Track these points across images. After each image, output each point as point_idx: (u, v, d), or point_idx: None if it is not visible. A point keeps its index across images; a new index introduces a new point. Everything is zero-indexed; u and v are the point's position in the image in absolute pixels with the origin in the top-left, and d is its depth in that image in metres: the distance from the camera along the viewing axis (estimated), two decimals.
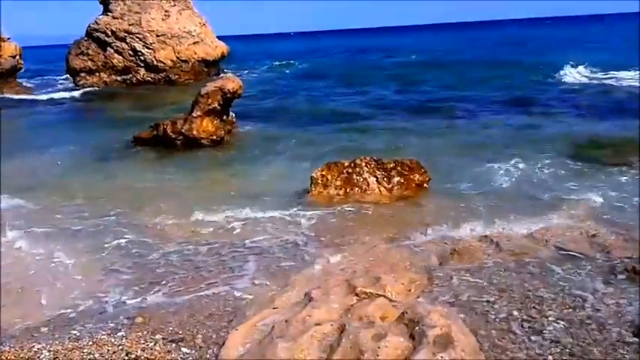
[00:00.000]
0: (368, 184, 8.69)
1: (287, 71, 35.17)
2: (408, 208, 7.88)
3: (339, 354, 3.82)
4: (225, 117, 13.32)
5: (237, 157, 11.72)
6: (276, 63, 40.50)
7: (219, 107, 12.83)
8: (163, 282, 5.74)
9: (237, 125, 14.01)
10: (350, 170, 8.77)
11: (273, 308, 4.77)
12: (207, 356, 4.31)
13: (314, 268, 5.79)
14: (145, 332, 4.63)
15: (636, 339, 4.20)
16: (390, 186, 8.67)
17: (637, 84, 20.06)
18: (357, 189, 8.61)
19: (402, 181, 8.74)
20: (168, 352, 4.39)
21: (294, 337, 4.08)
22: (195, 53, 29.70)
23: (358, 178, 8.72)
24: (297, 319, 4.34)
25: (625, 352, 4.04)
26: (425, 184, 8.70)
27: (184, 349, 4.42)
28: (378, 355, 3.69)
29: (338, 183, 8.68)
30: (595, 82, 21.71)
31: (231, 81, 13.40)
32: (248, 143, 13.15)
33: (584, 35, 54.89)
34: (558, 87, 20.59)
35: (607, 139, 11.42)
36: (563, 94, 18.51)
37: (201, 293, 5.44)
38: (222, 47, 31.45)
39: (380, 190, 8.61)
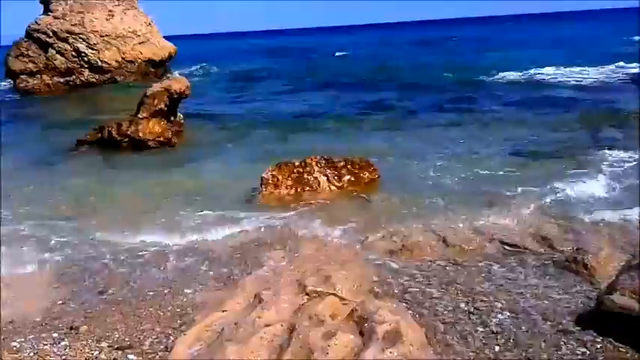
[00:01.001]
0: (319, 183, 8.70)
1: (228, 71, 34.84)
2: (358, 205, 7.92)
3: (288, 354, 3.80)
4: (172, 118, 13.09)
5: (185, 159, 11.52)
6: (208, 66, 39.74)
7: (165, 108, 12.60)
8: (109, 290, 5.57)
9: (186, 126, 13.77)
10: (300, 170, 8.76)
11: (223, 311, 4.69)
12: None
13: (264, 269, 5.75)
14: (90, 340, 4.51)
15: (578, 327, 4.36)
16: (341, 184, 8.70)
17: (566, 79, 21.09)
18: (307, 188, 8.60)
19: (352, 179, 8.79)
20: (114, 359, 4.28)
21: (244, 339, 4.04)
22: (142, 53, 29.07)
23: (309, 177, 8.72)
24: (247, 321, 4.30)
25: (567, 340, 4.18)
26: (375, 182, 8.78)
27: (131, 356, 4.32)
28: (327, 354, 3.69)
29: (289, 183, 8.65)
30: (527, 79, 22.47)
31: (177, 81, 13.18)
32: (197, 144, 12.96)
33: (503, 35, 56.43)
34: (495, 85, 21.15)
35: (549, 134, 11.80)
36: (502, 92, 19.02)
37: (148, 298, 5.32)
38: (170, 47, 30.90)
39: (330, 189, 8.64)
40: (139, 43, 29.24)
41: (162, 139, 12.35)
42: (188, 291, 5.42)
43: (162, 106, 12.55)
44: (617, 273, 5.06)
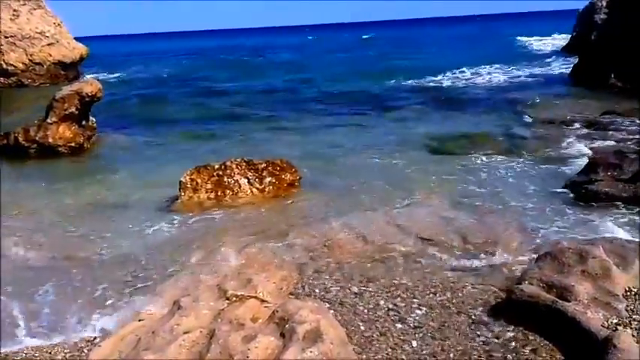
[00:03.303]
0: (240, 186, 8.59)
1: (146, 75, 33.89)
2: (279, 207, 7.90)
3: None
4: (84, 122, 12.50)
5: (99, 165, 11.07)
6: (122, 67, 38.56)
7: (76, 112, 12.02)
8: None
9: (99, 131, 13.22)
10: (220, 172, 8.61)
11: (139, 320, 4.54)
12: None
13: (183, 275, 5.60)
14: None
15: (490, 318, 4.54)
16: (262, 187, 8.64)
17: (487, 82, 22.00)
18: (228, 191, 8.48)
19: (274, 181, 8.74)
20: None
21: (162, 347, 3.92)
22: (51, 55, 27.67)
23: (229, 180, 8.59)
24: (165, 329, 4.18)
25: (480, 331, 4.35)
26: (296, 183, 8.78)
27: None
28: (248, 357, 3.64)
29: (209, 186, 8.48)
30: (450, 80, 23.29)
31: (89, 84, 12.60)
32: (111, 150, 12.48)
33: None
34: (411, 87, 21.77)
35: (462, 131, 12.28)
36: (414, 93, 19.62)
37: (59, 307, 5.07)
38: (81, 49, 29.63)
39: (252, 191, 8.55)
40: (48, 45, 27.84)
41: (73, 144, 11.79)
42: (103, 300, 5.20)
43: (73, 109, 11.97)
44: (527, 264, 5.35)
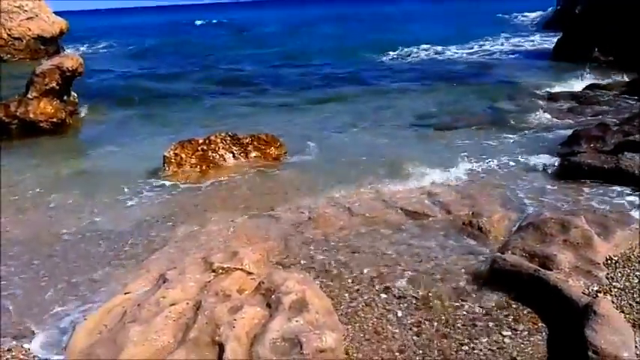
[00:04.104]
0: (224, 160, 8.57)
1: (129, 48, 33.38)
2: (264, 181, 7.89)
3: (195, 331, 3.75)
4: (65, 97, 12.30)
5: (81, 140, 10.97)
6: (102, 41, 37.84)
7: (58, 87, 11.81)
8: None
9: (81, 106, 13.04)
10: (205, 147, 8.58)
11: (125, 293, 4.54)
12: (54, 349, 4.03)
13: (169, 248, 5.60)
14: None
15: (474, 287, 4.60)
16: (247, 161, 8.62)
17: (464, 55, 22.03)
18: (213, 166, 8.45)
19: (259, 155, 8.74)
20: (9, 350, 4.04)
21: (148, 319, 3.93)
22: (30, 30, 27.06)
23: (214, 154, 8.57)
24: (151, 302, 4.19)
25: (464, 300, 4.40)
26: (281, 158, 8.77)
27: (27, 345, 4.09)
28: (234, 328, 3.67)
29: (193, 161, 8.45)
30: (431, 56, 23.24)
31: (69, 58, 12.37)
32: (93, 125, 12.32)
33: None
34: (395, 62, 21.69)
35: (445, 106, 12.30)
36: (399, 68, 19.56)
37: (44, 282, 5.05)
38: (61, 23, 28.97)
39: (237, 166, 8.53)
40: (27, 19, 27.19)
41: (55, 120, 11.60)
42: (88, 274, 5.19)
43: (54, 84, 11.76)
44: (509, 234, 5.42)
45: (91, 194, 7.50)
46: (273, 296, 4.05)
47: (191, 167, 8.33)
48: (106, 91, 16.47)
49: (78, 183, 8.07)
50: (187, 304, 4.12)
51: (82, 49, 31.65)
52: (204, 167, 8.39)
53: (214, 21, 63.56)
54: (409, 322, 4.13)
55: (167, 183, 7.86)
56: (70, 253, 5.71)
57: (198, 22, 61.51)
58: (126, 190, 7.60)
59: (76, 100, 12.81)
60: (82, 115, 12.86)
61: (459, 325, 4.06)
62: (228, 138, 8.67)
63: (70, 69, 11.97)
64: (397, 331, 4.01)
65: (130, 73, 21.52)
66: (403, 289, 4.59)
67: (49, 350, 4.03)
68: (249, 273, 4.77)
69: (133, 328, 3.81)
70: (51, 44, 28.16)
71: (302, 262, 5.19)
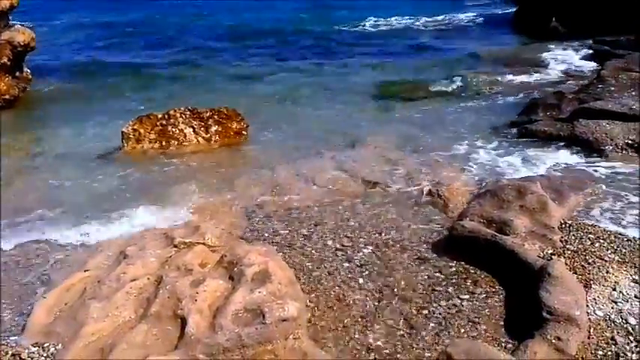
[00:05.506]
0: (185, 135, 8.43)
1: (85, 21, 32.23)
2: (226, 155, 7.83)
3: (156, 305, 3.73)
4: (18, 73, 11.88)
5: (35, 118, 10.60)
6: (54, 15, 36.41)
7: (9, 63, 11.39)
8: None
9: (34, 82, 12.61)
10: (164, 122, 8.41)
11: (85, 271, 4.47)
12: (13, 329, 3.95)
13: (130, 225, 5.52)
14: None
15: (434, 254, 4.69)
16: (208, 135, 8.50)
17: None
18: (173, 141, 8.32)
19: (220, 129, 8.61)
20: None
21: (108, 295, 3.90)
22: None
23: (174, 129, 8.41)
24: (111, 278, 4.15)
25: (424, 267, 4.49)
26: (243, 132, 8.67)
27: None
28: (196, 301, 3.66)
29: (152, 136, 8.29)
30: (394, 27, 23.16)
31: (21, 33, 11.92)
32: (48, 102, 11.93)
33: None
34: (355, 33, 21.53)
35: (405, 77, 12.35)
36: (366, 40, 19.46)
37: (4, 261, 4.94)
38: None
39: (198, 141, 8.41)
40: None
41: (7, 97, 11.20)
42: (47, 252, 5.09)
43: (5, 60, 11.33)
44: (468, 201, 5.52)
45: (47, 173, 7.31)
46: (235, 269, 4.05)
47: (150, 143, 8.19)
48: (61, 66, 15.94)
49: (34, 162, 7.87)
50: (148, 279, 4.09)
51: (34, 23, 30.43)
52: (163, 143, 8.25)
53: None
54: (371, 288, 4.20)
55: (126, 159, 7.71)
56: (30, 232, 5.57)
57: None
58: (84, 167, 7.43)
59: (29, 76, 12.39)
60: (36, 91, 12.44)
61: (419, 290, 4.15)
62: (188, 112, 8.52)
63: (22, 44, 11.56)
64: (359, 297, 4.08)
65: (85, 48, 20.80)
66: (365, 258, 4.65)
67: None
68: (212, 247, 4.76)
69: (94, 304, 3.78)
70: (1, 19, 27.05)
71: (265, 234, 5.20)
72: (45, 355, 3.56)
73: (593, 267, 4.16)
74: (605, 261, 4.25)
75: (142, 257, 4.47)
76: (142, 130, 8.19)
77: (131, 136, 8.11)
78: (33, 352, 3.57)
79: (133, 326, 3.61)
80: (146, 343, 3.46)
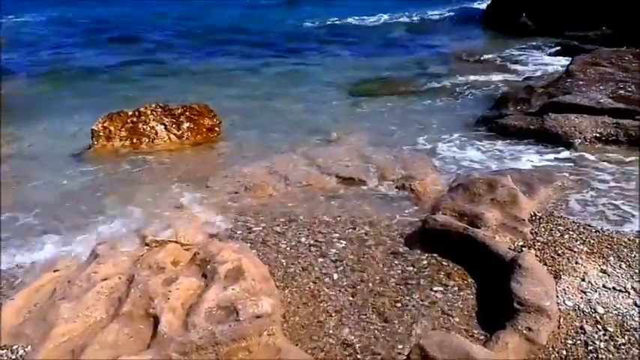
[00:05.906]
0: (156, 133, 8.33)
1: (53, 19, 31.59)
2: (199, 152, 7.77)
3: (128, 305, 3.67)
4: None
5: (3, 118, 10.36)
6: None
7: None
8: None
9: (2, 81, 12.32)
10: (135, 119, 8.29)
11: (54, 271, 4.39)
12: None
13: (100, 224, 5.44)
14: None
15: (406, 248, 4.72)
16: (180, 132, 8.41)
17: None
18: (144, 138, 8.21)
19: (192, 126, 8.52)
20: None
21: (79, 295, 3.82)
22: None
23: (145, 126, 8.30)
24: (82, 278, 4.06)
25: (397, 261, 4.51)
26: (216, 128, 8.60)
27: None
28: (168, 299, 3.62)
29: (123, 134, 8.17)
30: (365, 24, 23.24)
31: None
32: (11, 101, 11.66)
33: None
34: (328, 30, 21.52)
35: (378, 73, 12.41)
36: (338, 37, 19.47)
37: None
38: None
39: (170, 138, 8.32)
40: None
41: None
42: (14, 254, 4.98)
43: None
44: (440, 195, 5.56)
45: (15, 171, 7.15)
46: (208, 266, 4.01)
47: (121, 140, 8.07)
48: (29, 64, 15.61)
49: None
50: (120, 278, 4.02)
51: (1, 21, 29.69)
52: (134, 140, 8.13)
53: None
54: (345, 283, 4.21)
55: (96, 157, 7.59)
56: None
57: None
58: (53, 166, 7.29)
59: None
60: (3, 91, 12.15)
61: (392, 284, 4.17)
62: (159, 109, 8.41)
63: None
64: (333, 292, 4.08)
65: (53, 46, 20.39)
66: (339, 253, 4.66)
67: None
68: (184, 245, 4.71)
69: (64, 304, 3.70)
70: None
71: (238, 232, 5.17)
72: (14, 357, 3.48)
73: (563, 258, 4.24)
74: (575, 252, 4.33)
75: (112, 256, 4.39)
76: (112, 128, 8.06)
77: (101, 133, 7.98)
78: (1, 355, 3.49)
79: (104, 326, 3.55)
80: (118, 343, 3.40)
